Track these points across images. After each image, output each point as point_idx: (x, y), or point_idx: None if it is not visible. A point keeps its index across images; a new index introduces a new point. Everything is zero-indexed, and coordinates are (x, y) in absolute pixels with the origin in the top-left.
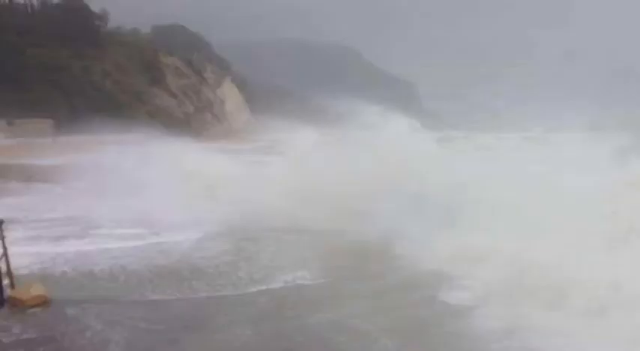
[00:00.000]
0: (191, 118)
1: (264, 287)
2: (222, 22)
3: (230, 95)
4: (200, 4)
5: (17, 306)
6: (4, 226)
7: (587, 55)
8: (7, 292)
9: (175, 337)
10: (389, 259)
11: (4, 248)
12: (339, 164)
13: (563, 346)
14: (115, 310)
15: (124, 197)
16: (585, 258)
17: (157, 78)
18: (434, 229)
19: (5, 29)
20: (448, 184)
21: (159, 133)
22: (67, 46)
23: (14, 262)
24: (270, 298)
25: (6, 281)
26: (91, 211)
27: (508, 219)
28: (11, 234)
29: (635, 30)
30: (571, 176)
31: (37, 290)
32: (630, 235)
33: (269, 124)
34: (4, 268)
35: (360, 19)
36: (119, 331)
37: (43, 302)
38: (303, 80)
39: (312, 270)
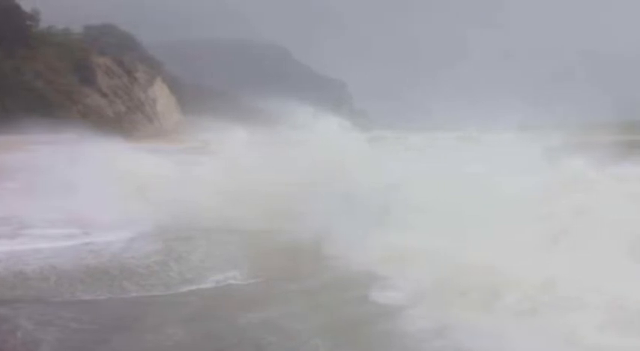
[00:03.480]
0: (122, 118)
1: (194, 287)
2: (154, 22)
3: (161, 95)
4: (132, 4)
5: None
6: None
7: (522, 56)
8: None
9: (106, 337)
10: (320, 260)
11: None
12: (270, 164)
13: (496, 347)
14: (46, 310)
15: (56, 197)
16: (518, 258)
17: (88, 78)
18: (366, 229)
19: None
20: (380, 185)
21: (91, 133)
22: None
23: None
24: (201, 298)
25: None
26: (23, 211)
27: (441, 219)
28: None
29: (570, 30)
30: (504, 176)
31: None
32: (563, 236)
33: (200, 124)
34: None
35: (293, 19)
36: (51, 332)
37: None
38: (234, 80)
39: (243, 270)
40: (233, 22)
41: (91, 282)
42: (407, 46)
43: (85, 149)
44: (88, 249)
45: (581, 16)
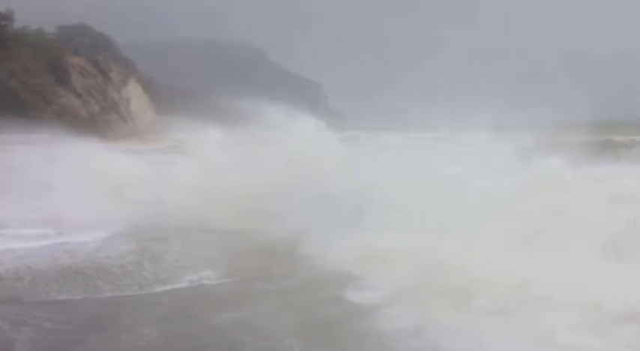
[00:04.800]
0: (96, 118)
1: (169, 287)
2: (128, 23)
3: (135, 95)
4: (107, 5)
5: None
6: None
7: (499, 56)
8: None
9: (81, 337)
10: (295, 260)
11: None
12: (245, 165)
13: (471, 346)
14: (20, 310)
15: (30, 197)
16: (493, 258)
17: (62, 78)
18: (342, 229)
19: None
20: (355, 185)
21: (65, 133)
22: None
23: None
24: (176, 298)
25: None
26: None
27: (415, 219)
28: None
29: (548, 30)
30: (479, 176)
31: None
32: (538, 236)
33: (174, 124)
34: None
35: (267, 19)
36: (25, 332)
37: None
38: (208, 80)
39: (218, 270)
40: (207, 23)
41: (66, 282)
42: (382, 46)
43: (59, 149)
44: (63, 249)
45: (559, 16)
